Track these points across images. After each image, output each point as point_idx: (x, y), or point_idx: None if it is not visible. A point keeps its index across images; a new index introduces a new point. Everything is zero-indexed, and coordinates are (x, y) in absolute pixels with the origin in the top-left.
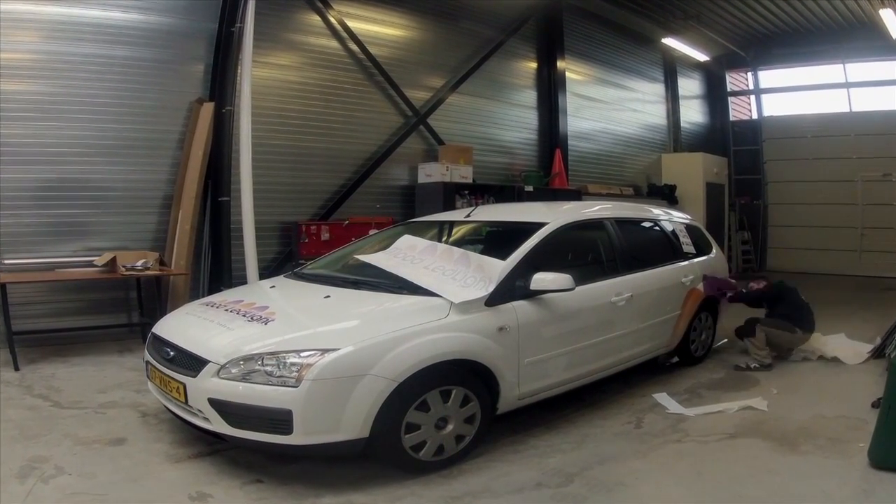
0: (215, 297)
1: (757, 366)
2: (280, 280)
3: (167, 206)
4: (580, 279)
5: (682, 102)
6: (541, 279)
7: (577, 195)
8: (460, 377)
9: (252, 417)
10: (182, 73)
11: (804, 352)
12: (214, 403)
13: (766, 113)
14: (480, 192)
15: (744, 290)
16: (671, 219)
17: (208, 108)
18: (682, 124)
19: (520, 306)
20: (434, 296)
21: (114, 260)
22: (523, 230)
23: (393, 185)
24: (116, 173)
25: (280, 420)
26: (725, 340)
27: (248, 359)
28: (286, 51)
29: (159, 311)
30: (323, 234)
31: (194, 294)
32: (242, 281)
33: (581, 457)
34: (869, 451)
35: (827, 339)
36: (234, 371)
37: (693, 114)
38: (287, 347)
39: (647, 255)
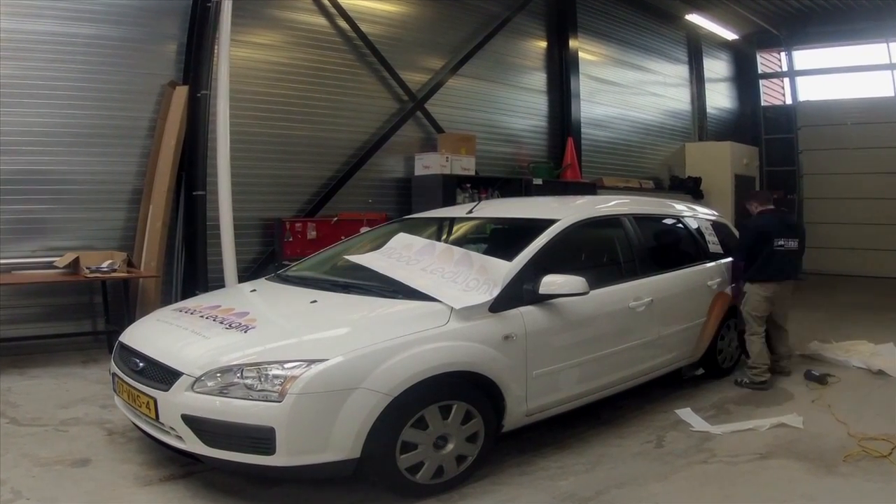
0: (189, 303)
1: (747, 381)
2: (262, 283)
3: (136, 202)
4: (595, 282)
5: (707, 86)
6: (551, 282)
7: (591, 189)
8: (462, 391)
9: (230, 436)
10: (152, 53)
11: (842, 359)
12: (188, 420)
13: (802, 97)
14: (484, 185)
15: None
16: (696, 215)
17: (182, 93)
18: (708, 110)
19: (527, 312)
20: (432, 301)
21: (77, 261)
22: (531, 228)
23: (387, 177)
24: (80, 165)
25: (261, 438)
26: None
27: (226, 371)
28: (268, 29)
29: (127, 317)
30: (309, 233)
31: (166, 299)
32: (220, 284)
33: (596, 479)
34: None
35: (875, 348)
36: (210, 384)
37: (720, 98)
38: (269, 358)
39: (670, 256)
